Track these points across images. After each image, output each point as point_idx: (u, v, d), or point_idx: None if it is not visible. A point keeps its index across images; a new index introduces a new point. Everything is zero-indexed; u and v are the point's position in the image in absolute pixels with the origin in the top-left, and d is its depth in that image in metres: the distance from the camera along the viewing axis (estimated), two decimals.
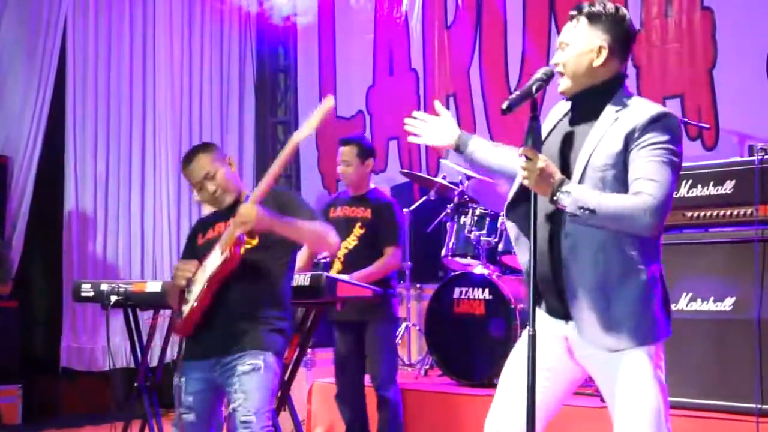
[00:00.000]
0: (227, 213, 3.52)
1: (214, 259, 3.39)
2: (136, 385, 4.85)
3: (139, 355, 4.95)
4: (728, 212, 4.26)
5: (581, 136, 2.66)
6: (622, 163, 2.56)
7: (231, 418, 3.37)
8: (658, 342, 2.62)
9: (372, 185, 5.01)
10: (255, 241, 3.42)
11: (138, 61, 7.62)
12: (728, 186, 4.27)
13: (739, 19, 5.67)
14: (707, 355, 4.17)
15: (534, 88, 2.64)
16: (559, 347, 2.72)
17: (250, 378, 3.35)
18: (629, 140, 2.56)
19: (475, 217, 5.51)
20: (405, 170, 6.79)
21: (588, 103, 2.70)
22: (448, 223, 5.74)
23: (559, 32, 6.36)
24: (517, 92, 2.67)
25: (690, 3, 5.82)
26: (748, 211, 4.20)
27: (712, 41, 5.74)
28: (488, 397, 4.92)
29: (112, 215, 7.41)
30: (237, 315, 3.42)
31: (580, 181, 2.57)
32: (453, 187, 5.89)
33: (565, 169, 2.63)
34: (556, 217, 2.63)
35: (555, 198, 2.51)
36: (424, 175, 6.67)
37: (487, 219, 5.48)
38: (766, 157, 4.20)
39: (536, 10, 6.71)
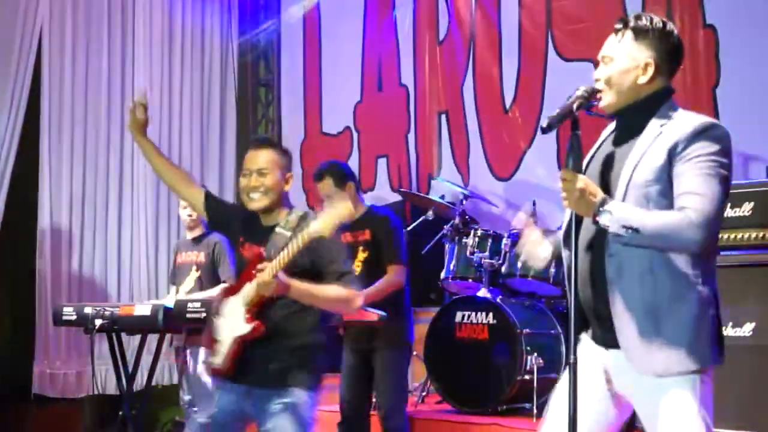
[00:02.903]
0: (261, 232, 3.41)
1: (239, 318, 3.31)
2: (120, 413, 4.73)
3: (124, 382, 4.84)
4: (746, 235, 4.20)
5: (624, 153, 2.60)
6: (666, 178, 2.49)
7: None
8: (708, 368, 2.53)
9: (367, 204, 4.88)
10: None
11: (116, 75, 7.48)
12: (746, 208, 4.22)
13: (742, 37, 5.62)
14: (725, 381, 4.00)
15: (575, 106, 2.57)
16: (602, 376, 2.65)
17: (279, 418, 3.28)
18: (673, 154, 2.48)
19: (477, 239, 5.40)
20: (403, 190, 6.67)
21: (632, 120, 2.63)
22: (447, 245, 5.64)
23: (556, 49, 6.40)
24: (558, 111, 2.58)
25: (692, 21, 5.77)
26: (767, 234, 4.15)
27: (715, 60, 5.68)
28: (493, 425, 4.87)
29: (88, 235, 7.28)
30: (268, 352, 3.33)
31: (624, 199, 2.51)
32: (451, 206, 5.76)
33: (609, 187, 2.58)
34: (601, 238, 2.55)
35: (597, 218, 2.44)
36: (422, 194, 6.56)
37: (490, 240, 5.37)
38: None
39: (532, 26, 6.64)
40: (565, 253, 2.71)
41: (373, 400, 4.84)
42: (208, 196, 3.64)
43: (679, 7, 5.85)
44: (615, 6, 6.07)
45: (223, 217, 3.63)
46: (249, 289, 3.27)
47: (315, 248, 3.23)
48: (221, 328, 3.39)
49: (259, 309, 3.27)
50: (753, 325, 4.07)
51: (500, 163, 6.70)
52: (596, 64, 6.47)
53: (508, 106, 6.70)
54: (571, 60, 6.32)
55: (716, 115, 5.60)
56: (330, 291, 3.27)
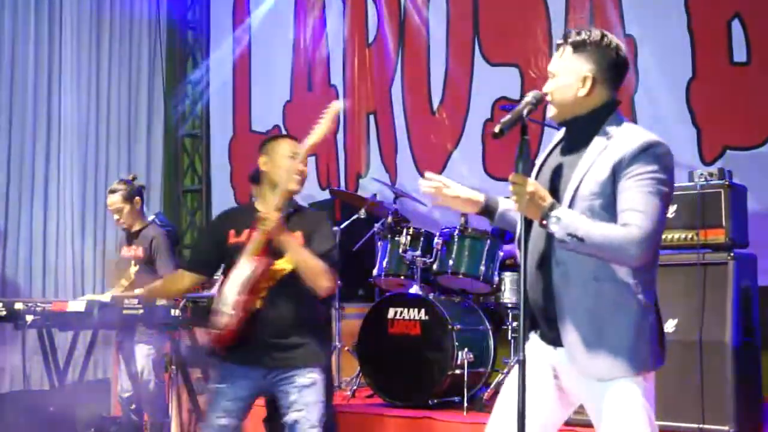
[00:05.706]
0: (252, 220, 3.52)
1: (244, 269, 3.42)
2: (51, 409, 4.66)
3: (54, 377, 4.76)
4: (671, 236, 4.35)
5: (571, 165, 2.64)
6: (610, 192, 2.55)
7: (291, 429, 3.49)
8: (649, 371, 2.62)
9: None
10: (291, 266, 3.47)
11: (43, 68, 7.34)
12: (670, 210, 4.34)
13: (659, 47, 5.85)
14: None
15: (524, 112, 2.60)
16: (549, 373, 2.72)
17: (310, 391, 3.47)
18: (617, 170, 2.54)
19: (409, 237, 5.45)
20: (335, 188, 6.71)
21: (578, 132, 2.68)
22: (379, 242, 5.68)
23: (482, 52, 6.54)
24: (508, 116, 2.60)
25: (613, 31, 5.90)
26: (690, 236, 4.31)
27: (634, 69, 5.87)
28: (424, 419, 4.98)
29: (13, 231, 7.11)
30: (289, 328, 3.48)
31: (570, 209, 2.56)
32: (384, 205, 5.84)
33: (558, 195, 2.62)
34: (549, 244, 2.62)
35: (544, 222, 2.50)
36: (356, 193, 6.60)
37: (422, 238, 5.44)
38: (706, 183, 4.33)
39: (460, 29, 6.77)
40: (519, 254, 2.80)
41: None
42: (193, 268, 3.77)
43: (600, 18, 6.04)
44: (539, 15, 6.25)
45: (215, 253, 3.69)
46: (254, 239, 3.41)
47: (310, 226, 3.48)
48: (226, 301, 3.42)
49: (266, 254, 3.38)
50: (676, 321, 4.23)
51: (427, 162, 6.78)
52: (520, 69, 6.66)
53: (435, 108, 6.83)
54: (496, 64, 6.49)
55: (635, 121, 5.80)
56: (314, 259, 3.42)
